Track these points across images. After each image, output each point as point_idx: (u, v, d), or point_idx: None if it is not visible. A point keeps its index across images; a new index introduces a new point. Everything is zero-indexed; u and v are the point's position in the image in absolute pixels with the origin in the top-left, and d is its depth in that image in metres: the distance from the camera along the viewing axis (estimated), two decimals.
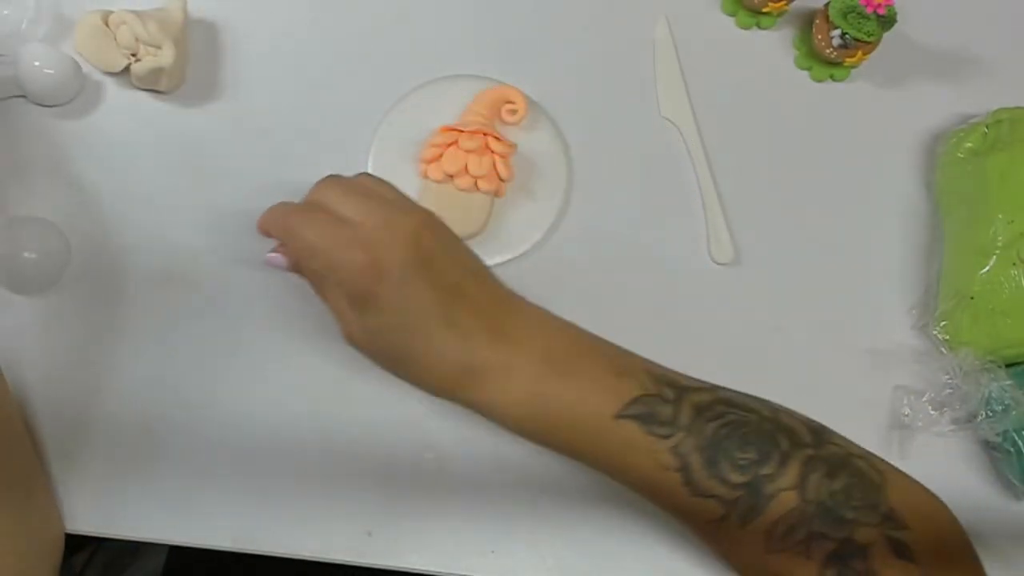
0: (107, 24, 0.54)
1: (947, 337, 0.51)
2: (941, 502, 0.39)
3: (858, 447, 0.39)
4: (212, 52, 0.57)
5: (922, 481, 0.39)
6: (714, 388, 0.39)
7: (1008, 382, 0.48)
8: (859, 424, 0.51)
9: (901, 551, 0.35)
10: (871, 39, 0.56)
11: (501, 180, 0.53)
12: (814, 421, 0.39)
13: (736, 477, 0.36)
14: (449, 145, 0.53)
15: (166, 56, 0.53)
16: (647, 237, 0.55)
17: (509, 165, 0.54)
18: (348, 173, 0.54)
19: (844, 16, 0.55)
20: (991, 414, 0.48)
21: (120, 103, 0.56)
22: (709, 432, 0.36)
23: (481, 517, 0.48)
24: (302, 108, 0.57)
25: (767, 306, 0.54)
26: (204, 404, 0.49)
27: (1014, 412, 0.47)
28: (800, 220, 0.56)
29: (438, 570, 0.47)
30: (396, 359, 0.40)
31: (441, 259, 0.39)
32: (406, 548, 0.47)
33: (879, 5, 0.54)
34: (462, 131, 0.53)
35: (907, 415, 0.50)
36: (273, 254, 0.43)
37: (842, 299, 0.54)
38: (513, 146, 0.54)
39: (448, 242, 0.41)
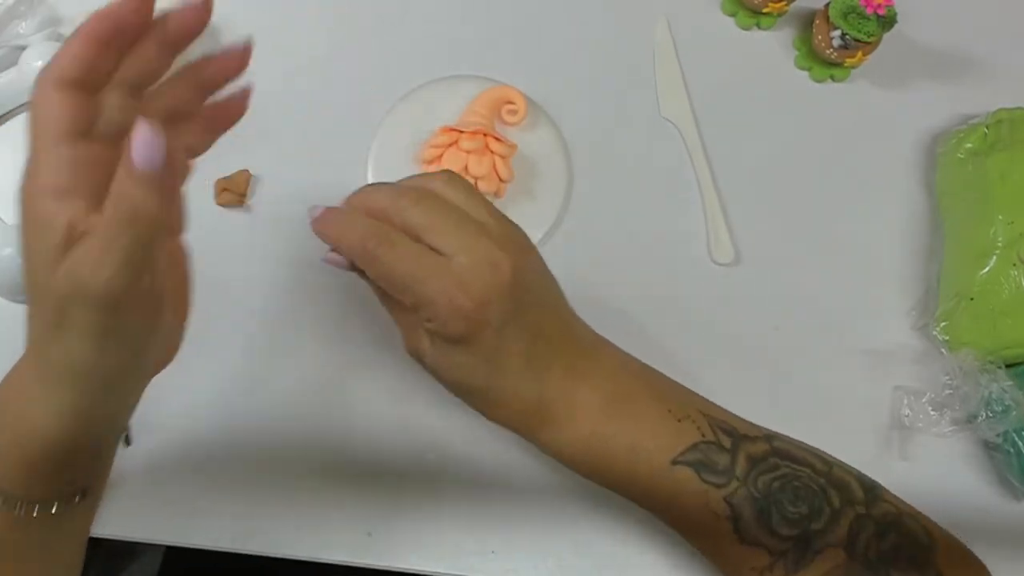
0: None
1: (947, 338, 0.51)
2: (981, 563, 0.39)
3: (909, 506, 0.39)
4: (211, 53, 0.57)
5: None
6: (769, 437, 0.39)
7: (1008, 383, 0.48)
8: (859, 424, 0.51)
9: None
10: (871, 39, 0.56)
11: (501, 181, 0.53)
12: (867, 476, 0.40)
13: (786, 530, 0.36)
14: (449, 145, 0.53)
15: None
16: (647, 237, 0.55)
17: (509, 166, 0.54)
18: (348, 173, 0.55)
19: (844, 16, 0.55)
20: (991, 415, 0.48)
21: None
22: (762, 485, 0.37)
23: (481, 517, 0.48)
24: (302, 108, 0.57)
25: (767, 306, 0.54)
26: (202, 404, 0.49)
27: (1014, 412, 0.47)
28: (800, 220, 0.56)
29: (438, 570, 0.47)
30: (470, 392, 0.38)
31: (531, 299, 0.38)
32: (406, 548, 0.47)
33: (879, 5, 0.54)
34: (462, 131, 0.53)
35: (907, 415, 0.50)
36: (334, 255, 0.39)
37: (842, 299, 0.54)
38: (513, 146, 0.54)
39: (538, 276, 0.39)
